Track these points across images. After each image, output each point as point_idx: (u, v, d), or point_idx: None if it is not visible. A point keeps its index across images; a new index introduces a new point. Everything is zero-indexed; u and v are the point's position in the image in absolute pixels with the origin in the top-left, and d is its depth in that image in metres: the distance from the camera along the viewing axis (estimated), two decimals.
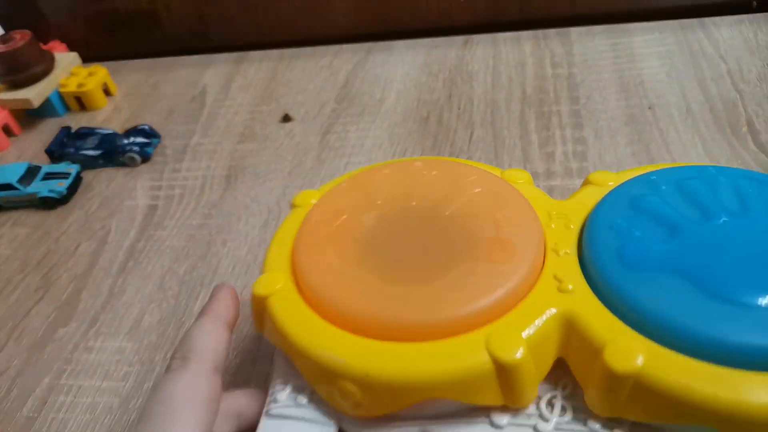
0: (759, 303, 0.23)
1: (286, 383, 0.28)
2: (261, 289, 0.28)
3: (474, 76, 0.59)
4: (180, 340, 0.28)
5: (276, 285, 0.28)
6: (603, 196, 0.29)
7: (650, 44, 0.58)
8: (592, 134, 0.49)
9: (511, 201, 0.29)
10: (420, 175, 0.32)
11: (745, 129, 0.47)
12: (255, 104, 0.61)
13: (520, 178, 0.32)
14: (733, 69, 0.53)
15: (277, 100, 0.61)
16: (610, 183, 0.30)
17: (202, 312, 0.29)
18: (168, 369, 0.27)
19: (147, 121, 0.61)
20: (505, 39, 0.63)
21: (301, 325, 0.26)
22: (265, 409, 0.27)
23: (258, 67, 0.66)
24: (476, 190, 0.30)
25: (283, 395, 0.27)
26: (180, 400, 0.25)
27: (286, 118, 0.58)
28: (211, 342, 0.28)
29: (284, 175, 0.52)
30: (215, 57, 0.69)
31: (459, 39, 0.64)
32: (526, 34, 0.62)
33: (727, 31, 0.58)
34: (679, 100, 0.51)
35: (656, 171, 0.30)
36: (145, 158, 0.56)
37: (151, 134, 0.57)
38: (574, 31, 0.62)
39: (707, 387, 0.21)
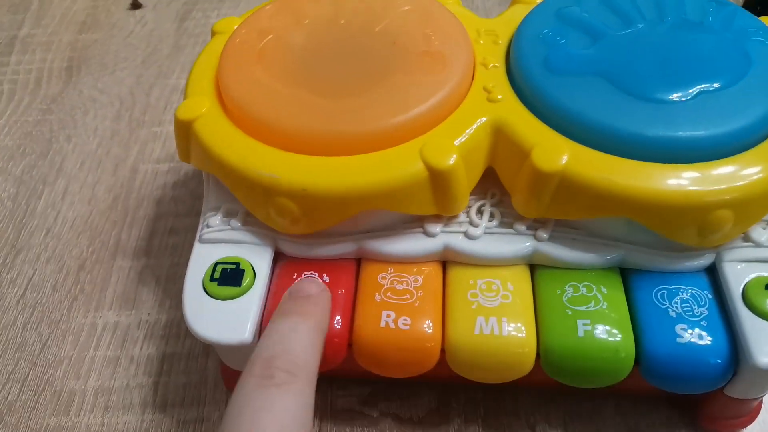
0: (671, 99, 0.24)
1: (218, 207, 0.27)
2: (185, 113, 0.27)
3: None
4: (275, 343, 0.21)
5: (201, 108, 0.27)
6: (529, 11, 0.29)
7: None
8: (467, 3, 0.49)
9: (441, 17, 0.29)
10: None
11: None
12: None
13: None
14: None
15: None
16: (538, 1, 0.30)
17: (302, 314, 0.22)
18: (270, 380, 0.19)
19: None
20: None
21: (233, 146, 0.25)
22: (197, 235, 0.27)
23: None
24: (406, 8, 0.29)
25: (215, 219, 0.27)
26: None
27: (136, 5, 0.52)
28: (318, 357, 0.22)
29: (137, 64, 0.47)
30: None
31: None
32: None
33: None
34: None
35: None
36: None
37: None
38: None
39: (625, 179, 0.23)
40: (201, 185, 0.30)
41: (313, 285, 0.24)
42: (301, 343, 0.21)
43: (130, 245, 0.35)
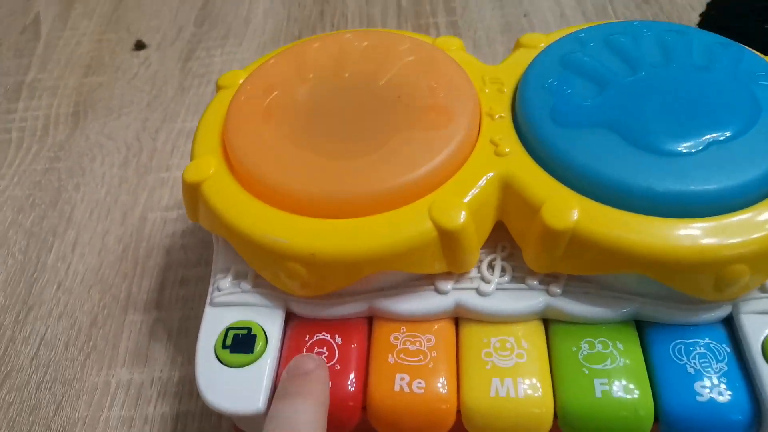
0: (680, 151, 0.24)
1: (227, 270, 0.27)
2: (192, 176, 0.27)
3: None
4: (281, 428, 0.21)
5: (208, 170, 0.27)
6: (534, 57, 0.29)
7: None
8: (470, 44, 0.48)
9: (445, 67, 0.29)
10: (351, 46, 0.30)
11: None
12: (101, 32, 0.54)
13: (452, 45, 0.31)
14: None
15: (127, 26, 0.54)
16: (541, 44, 0.30)
17: (304, 394, 0.22)
18: None
19: None
20: None
21: (240, 209, 0.25)
22: (208, 299, 0.27)
23: None
24: (409, 59, 0.29)
25: (225, 282, 0.27)
26: None
27: (140, 46, 0.52)
28: None
29: (142, 107, 0.47)
30: None
31: None
32: None
33: None
34: (553, 5, 0.51)
35: (584, 29, 0.30)
36: None
37: None
38: None
39: (637, 235, 0.23)
40: (210, 233, 0.30)
41: (309, 361, 0.24)
42: (306, 426, 0.21)
43: (141, 298, 0.35)
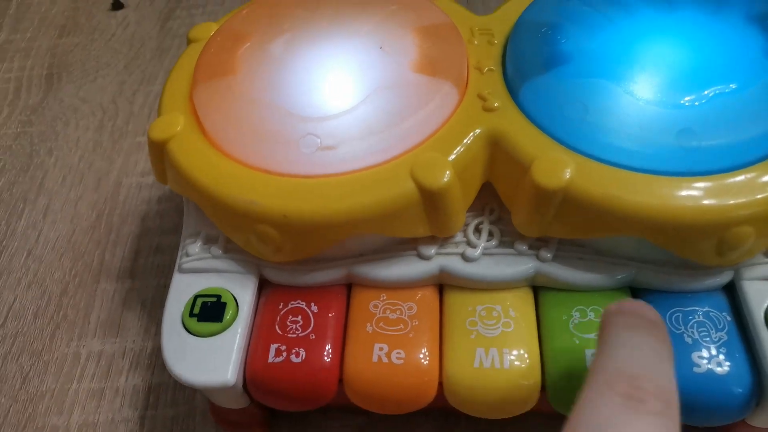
0: (682, 103, 0.22)
1: (197, 233, 0.26)
2: (158, 133, 0.25)
3: None
4: (638, 361, 0.17)
5: (175, 127, 0.25)
6: (526, 6, 0.27)
7: None
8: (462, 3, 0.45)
9: (431, 17, 0.27)
10: None
11: None
12: None
13: None
14: None
15: None
16: None
17: (661, 340, 0.18)
18: (637, 406, 0.16)
19: None
20: None
21: (208, 169, 0.24)
22: (176, 265, 0.25)
23: None
24: (393, 7, 0.27)
25: (195, 248, 0.25)
26: None
27: (117, 5, 0.49)
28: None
29: (119, 69, 0.45)
30: None
31: None
32: None
33: None
34: None
35: None
36: None
37: None
38: None
39: (634, 195, 0.21)
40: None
41: (651, 311, 0.19)
42: (668, 374, 0.17)
43: (114, 266, 0.33)
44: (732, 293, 0.23)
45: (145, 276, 0.33)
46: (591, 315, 0.23)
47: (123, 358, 0.30)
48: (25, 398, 0.29)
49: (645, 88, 0.23)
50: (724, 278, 0.23)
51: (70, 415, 0.28)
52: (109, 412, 0.28)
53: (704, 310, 0.23)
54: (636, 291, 0.24)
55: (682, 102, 0.22)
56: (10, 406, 0.29)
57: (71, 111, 0.42)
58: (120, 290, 0.32)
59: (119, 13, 0.49)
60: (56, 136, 0.41)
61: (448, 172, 0.22)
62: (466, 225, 0.25)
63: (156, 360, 0.30)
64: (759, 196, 0.21)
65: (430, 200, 0.22)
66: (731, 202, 0.20)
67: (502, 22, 0.27)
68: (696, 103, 0.22)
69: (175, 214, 0.35)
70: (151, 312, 0.31)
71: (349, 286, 0.25)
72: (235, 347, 0.23)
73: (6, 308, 0.32)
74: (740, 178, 0.21)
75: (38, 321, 0.32)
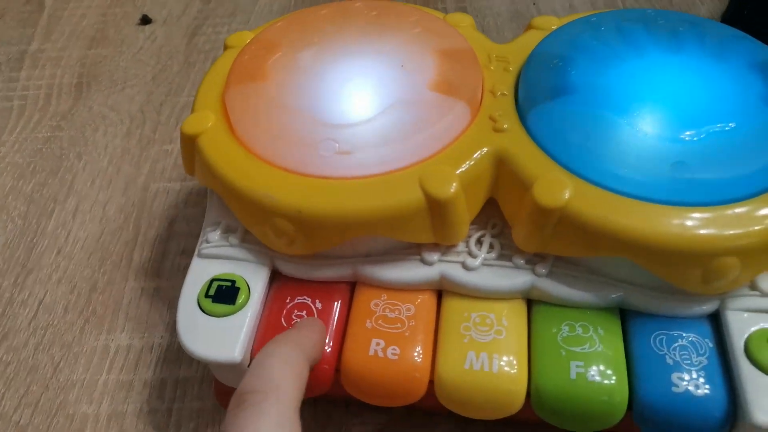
0: (680, 137, 0.24)
1: (218, 223, 0.27)
2: (190, 128, 0.27)
3: None
4: (250, 370, 0.21)
5: (206, 123, 0.27)
6: (542, 38, 0.29)
7: None
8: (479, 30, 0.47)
9: (451, 41, 0.28)
10: (360, 14, 0.30)
11: None
12: (106, 6, 0.53)
13: (462, 21, 0.31)
14: None
15: (133, 0, 0.54)
16: (553, 27, 0.30)
17: (280, 341, 0.22)
18: (240, 406, 0.19)
19: None
20: None
21: (233, 164, 0.26)
22: (196, 251, 0.27)
23: None
24: (416, 30, 0.29)
25: (214, 235, 0.27)
26: None
27: (145, 20, 0.52)
28: (294, 375, 0.21)
29: (147, 80, 0.46)
30: None
31: None
32: None
33: None
34: None
35: (597, 14, 0.29)
36: None
37: None
38: None
39: (626, 219, 0.22)
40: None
41: (310, 319, 0.24)
42: (274, 363, 0.21)
43: (142, 266, 0.35)
44: (717, 322, 0.24)
45: (172, 276, 0.34)
46: (579, 330, 0.24)
47: (151, 352, 0.32)
48: (56, 387, 0.31)
49: (644, 121, 0.24)
50: (710, 307, 0.24)
51: (100, 404, 0.30)
52: (137, 402, 0.30)
53: (688, 335, 0.24)
54: (624, 312, 0.25)
55: (678, 136, 0.24)
56: (42, 394, 0.30)
57: (100, 118, 0.44)
58: (147, 289, 0.34)
59: (147, 27, 0.51)
60: (85, 142, 0.42)
61: (454, 184, 0.24)
62: (469, 236, 0.26)
63: (183, 355, 0.31)
64: (745, 230, 0.22)
65: (436, 209, 0.24)
66: (718, 233, 0.22)
67: (518, 50, 0.29)
68: (691, 139, 0.24)
69: (202, 218, 0.37)
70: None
71: (353, 286, 0.27)
72: (244, 329, 0.24)
73: (37, 302, 0.34)
74: (729, 211, 0.22)
75: (68, 315, 0.33)
